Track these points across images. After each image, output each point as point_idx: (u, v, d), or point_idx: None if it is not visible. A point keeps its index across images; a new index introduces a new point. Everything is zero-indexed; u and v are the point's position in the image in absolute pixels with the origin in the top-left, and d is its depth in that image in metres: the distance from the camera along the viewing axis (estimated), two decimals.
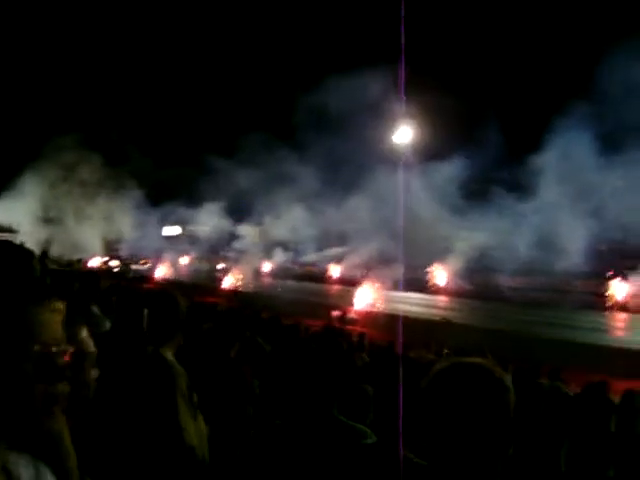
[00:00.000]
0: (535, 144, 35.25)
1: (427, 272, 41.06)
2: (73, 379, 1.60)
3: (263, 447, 2.86)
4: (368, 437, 2.78)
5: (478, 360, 1.78)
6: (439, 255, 39.39)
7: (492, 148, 35.91)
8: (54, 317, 1.22)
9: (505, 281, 36.19)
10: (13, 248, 4.02)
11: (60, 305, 1.23)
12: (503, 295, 34.73)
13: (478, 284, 37.29)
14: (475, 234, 36.80)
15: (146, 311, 3.23)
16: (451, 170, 38.04)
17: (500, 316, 29.98)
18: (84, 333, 1.74)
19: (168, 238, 56.14)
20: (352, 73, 38.52)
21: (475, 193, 37.84)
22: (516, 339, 22.23)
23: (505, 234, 34.74)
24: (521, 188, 36.23)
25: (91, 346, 1.77)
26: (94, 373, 1.71)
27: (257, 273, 47.15)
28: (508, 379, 1.74)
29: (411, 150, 39.49)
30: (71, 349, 1.25)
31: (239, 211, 50.28)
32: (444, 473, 1.73)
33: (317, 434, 2.75)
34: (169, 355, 3.19)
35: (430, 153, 38.93)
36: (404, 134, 39.97)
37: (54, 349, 1.19)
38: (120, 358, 3.09)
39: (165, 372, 3.04)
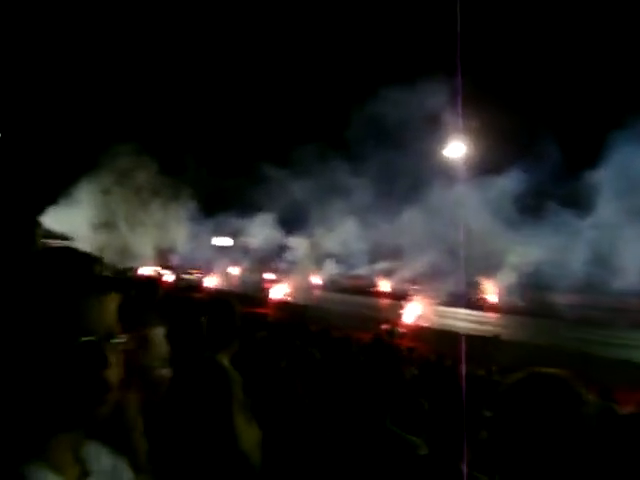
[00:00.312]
0: (592, 159, 34.51)
1: (478, 288, 40.58)
2: (144, 378, 1.65)
3: (315, 457, 2.87)
4: (421, 449, 2.77)
5: (557, 372, 1.74)
6: (491, 270, 38.76)
7: (548, 163, 35.28)
8: (106, 306, 1.27)
9: (559, 298, 35.47)
10: (74, 253, 4.12)
11: (114, 296, 1.27)
12: (556, 312, 33.98)
13: (530, 300, 36.47)
14: (529, 249, 35.99)
15: (204, 319, 3.27)
16: (506, 184, 37.26)
17: (552, 333, 29.46)
18: (160, 334, 1.78)
19: (219, 248, 56.51)
20: (408, 84, 38.23)
21: (530, 208, 37.00)
22: (568, 356, 21.81)
23: (560, 250, 33.99)
24: (578, 204, 35.45)
25: (164, 346, 1.81)
26: (166, 372, 1.75)
27: (307, 285, 47.18)
28: (586, 393, 1.70)
29: (465, 164, 39.09)
30: (124, 339, 1.29)
31: (291, 222, 50.26)
32: None
33: (370, 445, 2.74)
34: (225, 361, 3.22)
35: (485, 167, 38.36)
36: (457, 148, 39.67)
37: (104, 338, 1.23)
38: (177, 364, 3.12)
39: (221, 378, 3.08)
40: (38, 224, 3.55)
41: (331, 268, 47.96)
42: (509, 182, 37.51)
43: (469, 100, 31.16)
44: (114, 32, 50.58)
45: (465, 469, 2.56)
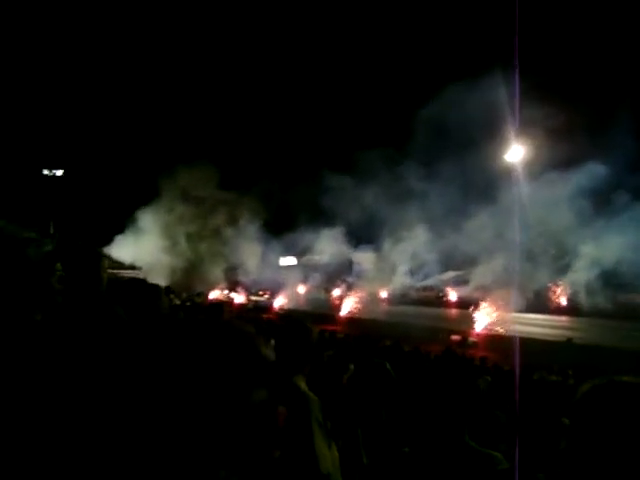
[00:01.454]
0: None
1: (551, 291, 39.77)
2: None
3: (393, 475, 2.87)
4: (501, 463, 2.75)
5: (637, 380, 1.68)
6: (565, 271, 37.69)
7: (621, 155, 34.25)
8: None
9: (636, 298, 34.45)
10: (143, 286, 4.23)
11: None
12: (632, 313, 32.93)
13: (606, 302, 35.35)
14: (604, 247, 34.78)
15: (273, 341, 3.32)
16: (579, 179, 36.30)
17: (629, 335, 28.59)
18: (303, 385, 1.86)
19: (286, 268, 56.84)
20: (471, 85, 37.81)
21: (605, 203, 35.79)
22: None
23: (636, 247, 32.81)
24: None
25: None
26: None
27: (375, 299, 47.02)
28: None
29: (529, 164, 38.29)
30: None
31: (358, 235, 50.14)
32: None
33: (449, 461, 2.73)
34: (302, 384, 3.26)
35: (555, 164, 37.37)
36: (518, 151, 39.05)
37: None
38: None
39: (300, 401, 3.12)
40: (102, 257, 3.65)
41: (399, 280, 47.64)
42: (581, 177, 36.38)
43: (534, 97, 30.65)
44: (167, 53, 51.78)
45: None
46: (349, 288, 48.95)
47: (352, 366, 5.55)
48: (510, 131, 36.34)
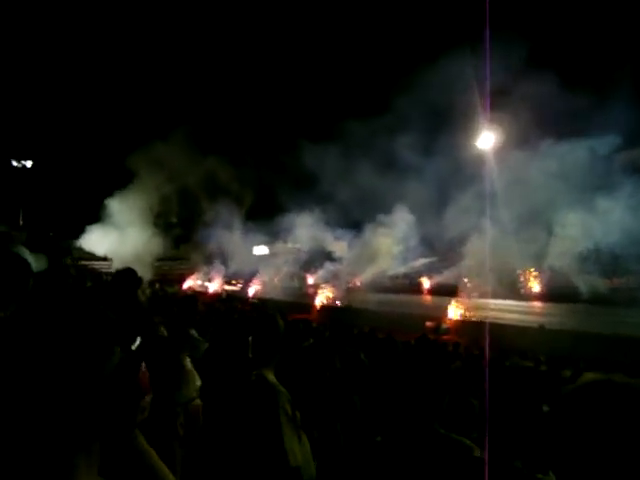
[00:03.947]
0: None
1: (525, 277, 39.94)
2: (184, 410, 1.69)
3: (365, 463, 2.87)
4: (474, 450, 2.75)
5: (627, 380, 1.68)
6: (541, 258, 37.49)
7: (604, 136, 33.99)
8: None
9: (604, 282, 34.57)
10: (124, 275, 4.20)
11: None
12: (601, 297, 33.06)
13: (582, 287, 35.25)
14: (583, 232, 34.28)
15: (251, 338, 3.29)
16: (560, 160, 35.86)
17: (598, 319, 28.87)
18: (189, 363, 1.83)
19: (260, 257, 56.71)
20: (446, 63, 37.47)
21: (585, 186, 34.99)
22: (614, 342, 21.38)
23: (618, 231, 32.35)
24: None
25: (196, 376, 1.86)
26: (200, 402, 1.80)
27: (348, 287, 47.12)
28: None
29: (503, 150, 38.22)
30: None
31: (334, 224, 49.87)
32: None
33: (420, 449, 2.73)
34: (271, 377, 3.24)
35: (529, 146, 36.94)
36: (489, 138, 39.15)
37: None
38: (221, 381, 3.15)
39: (269, 394, 3.09)
40: (68, 250, 3.63)
41: (372, 268, 47.68)
42: (563, 158, 35.86)
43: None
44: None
45: (521, 469, 2.54)
46: (323, 277, 49.01)
47: (338, 359, 5.53)
48: (483, 114, 36.25)
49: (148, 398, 1.31)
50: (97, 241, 48.97)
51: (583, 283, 34.70)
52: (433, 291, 44.22)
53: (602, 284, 34.47)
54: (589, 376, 1.69)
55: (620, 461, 1.55)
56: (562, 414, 1.68)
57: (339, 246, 52.75)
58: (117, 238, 49.03)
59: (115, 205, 49.99)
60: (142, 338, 1.37)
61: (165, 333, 3.40)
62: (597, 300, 32.75)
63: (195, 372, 1.75)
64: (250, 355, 3.26)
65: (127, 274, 5.04)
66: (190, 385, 1.69)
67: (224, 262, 53.43)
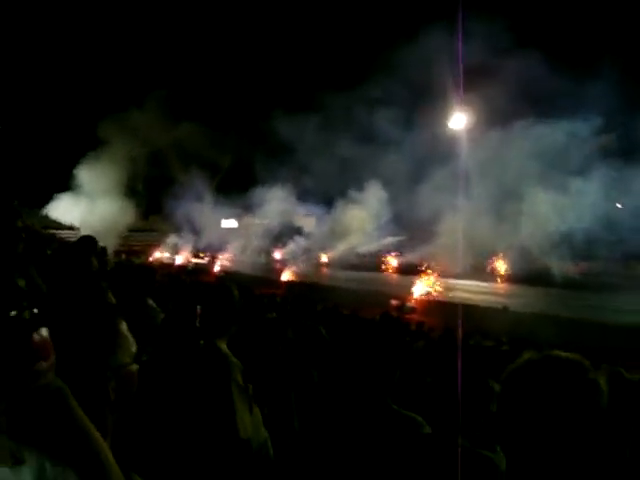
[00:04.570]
0: None
1: (491, 258, 40.11)
2: (116, 374, 1.65)
3: (317, 437, 2.86)
4: (423, 427, 2.75)
5: (572, 356, 1.69)
6: (511, 238, 37.36)
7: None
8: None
9: (572, 266, 34.68)
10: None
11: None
12: (570, 281, 33.13)
13: (540, 269, 35.43)
14: (557, 212, 33.90)
15: (199, 307, 3.28)
16: (534, 138, 35.64)
17: (565, 303, 29.24)
18: (124, 328, 1.78)
19: (228, 230, 56.51)
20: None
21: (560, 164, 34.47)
22: (579, 326, 21.72)
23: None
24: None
25: (132, 341, 1.80)
26: (135, 368, 1.74)
27: (316, 264, 47.23)
28: (603, 381, 1.66)
29: (477, 127, 38.07)
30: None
31: (302, 197, 49.52)
32: (516, 466, 1.68)
33: (371, 423, 2.73)
34: (223, 347, 3.22)
35: (504, 123, 36.58)
36: (464, 116, 39.06)
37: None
38: (173, 351, 3.13)
39: (220, 364, 3.08)
40: (18, 214, 3.56)
41: (341, 245, 47.72)
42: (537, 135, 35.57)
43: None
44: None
45: (466, 445, 2.54)
46: (290, 252, 49.06)
47: (290, 331, 5.53)
48: (460, 92, 35.87)
49: (45, 364, 1.28)
50: (65, 210, 48.37)
51: (554, 266, 34.67)
52: (401, 270, 44.37)
53: (572, 268, 34.57)
54: (527, 354, 1.72)
55: (562, 434, 1.56)
56: (506, 391, 1.69)
57: (308, 221, 52.76)
58: (87, 207, 48.47)
59: (85, 174, 49.31)
60: (88, 303, 1.34)
61: (113, 300, 3.35)
62: (568, 284, 32.82)
63: (131, 337, 1.71)
64: (197, 324, 3.24)
65: (85, 241, 5.00)
66: (125, 350, 1.65)
67: (192, 234, 53.16)
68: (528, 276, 35.24)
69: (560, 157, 33.74)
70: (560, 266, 34.24)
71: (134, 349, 1.75)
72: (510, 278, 38.34)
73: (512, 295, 34.05)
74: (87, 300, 1.93)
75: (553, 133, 34.31)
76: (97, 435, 1.43)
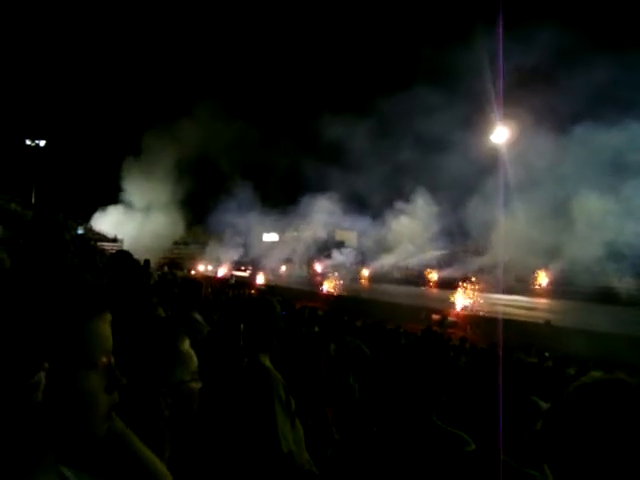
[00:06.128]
0: None
1: (535, 274, 39.59)
2: (175, 392, 1.64)
3: (360, 453, 2.83)
4: (468, 444, 2.71)
5: (630, 379, 1.65)
6: (555, 255, 36.79)
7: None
8: (108, 328, 1.22)
9: (621, 282, 33.91)
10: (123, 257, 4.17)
11: (110, 317, 1.22)
12: (616, 297, 32.41)
13: (587, 285, 34.74)
14: (603, 229, 33.39)
15: (242, 325, 3.28)
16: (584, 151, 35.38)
17: (612, 319, 28.61)
18: (186, 345, 1.77)
19: (270, 244, 56.76)
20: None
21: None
22: (625, 342, 21.23)
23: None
24: None
25: (194, 358, 1.80)
26: (196, 385, 1.74)
27: (356, 277, 47.12)
28: None
29: (518, 145, 37.74)
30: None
31: (347, 207, 49.47)
32: None
33: (415, 441, 2.69)
34: (267, 362, 3.22)
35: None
36: (501, 133, 38.80)
37: (112, 359, 1.19)
38: (218, 366, 3.14)
39: (263, 379, 3.07)
40: (64, 224, 3.61)
41: (385, 258, 47.57)
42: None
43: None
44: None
45: (511, 463, 2.50)
46: (332, 266, 49.02)
47: (333, 346, 5.50)
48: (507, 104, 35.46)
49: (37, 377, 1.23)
50: (109, 222, 49.12)
51: (595, 282, 33.89)
52: (441, 284, 44.01)
53: (622, 284, 33.64)
54: (595, 374, 1.66)
55: (621, 461, 1.52)
56: (566, 411, 1.65)
57: (350, 235, 52.74)
58: (138, 220, 49.18)
59: (133, 186, 50.12)
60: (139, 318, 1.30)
61: (163, 314, 3.38)
62: (607, 300, 32.06)
63: (193, 355, 1.71)
64: (241, 343, 3.25)
65: (121, 256, 5.05)
66: (183, 367, 1.65)
67: (234, 247, 53.50)
68: (572, 292, 34.68)
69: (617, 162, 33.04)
70: (611, 282, 33.49)
71: (195, 366, 1.74)
72: (557, 293, 37.66)
73: (557, 311, 33.36)
74: (141, 315, 1.94)
75: (610, 139, 33.65)
76: (148, 452, 1.41)
